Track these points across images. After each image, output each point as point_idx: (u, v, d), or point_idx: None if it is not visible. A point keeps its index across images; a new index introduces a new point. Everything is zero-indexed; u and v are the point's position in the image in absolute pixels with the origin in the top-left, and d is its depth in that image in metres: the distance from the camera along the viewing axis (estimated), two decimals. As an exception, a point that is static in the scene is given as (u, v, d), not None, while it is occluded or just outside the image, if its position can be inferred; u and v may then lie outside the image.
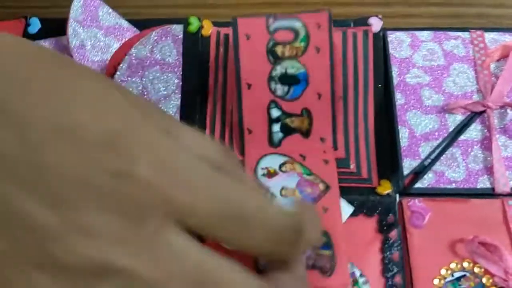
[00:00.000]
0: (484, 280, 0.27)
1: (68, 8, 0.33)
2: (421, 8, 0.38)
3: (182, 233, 0.14)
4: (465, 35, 0.35)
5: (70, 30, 0.31)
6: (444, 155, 0.31)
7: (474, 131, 0.32)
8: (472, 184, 0.31)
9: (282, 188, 0.29)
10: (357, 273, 0.27)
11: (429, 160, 0.31)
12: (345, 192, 0.30)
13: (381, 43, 0.34)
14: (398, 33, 0.35)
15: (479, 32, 0.35)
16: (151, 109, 0.17)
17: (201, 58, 0.34)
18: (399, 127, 0.32)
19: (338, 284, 0.26)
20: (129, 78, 0.33)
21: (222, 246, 0.15)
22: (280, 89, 0.31)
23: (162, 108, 0.33)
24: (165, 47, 0.33)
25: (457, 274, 0.27)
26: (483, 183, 0.31)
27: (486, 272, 0.27)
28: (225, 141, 0.32)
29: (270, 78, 0.31)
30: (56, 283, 0.13)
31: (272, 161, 0.30)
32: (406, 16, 0.38)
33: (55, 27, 0.35)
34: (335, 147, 0.31)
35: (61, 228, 0.13)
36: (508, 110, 0.32)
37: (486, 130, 0.32)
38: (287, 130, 0.31)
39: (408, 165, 0.31)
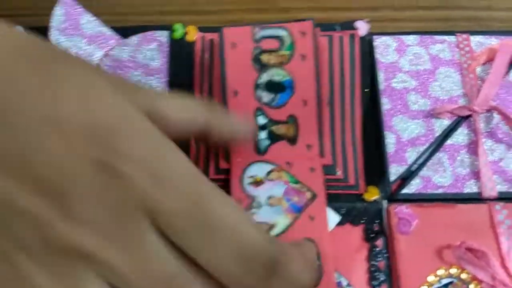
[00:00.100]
0: (471, 286, 0.27)
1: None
2: (409, 12, 0.38)
3: (156, 233, 0.14)
4: (451, 38, 0.35)
5: (52, 39, 0.31)
6: (430, 160, 0.31)
7: (460, 136, 0.32)
8: (459, 189, 0.31)
9: (269, 197, 0.29)
10: (344, 282, 0.27)
11: (416, 166, 0.31)
12: (332, 199, 0.30)
13: (367, 48, 0.34)
14: (384, 38, 0.35)
15: (465, 36, 0.35)
16: (136, 90, 0.18)
17: (186, 64, 0.34)
18: (386, 132, 0.32)
19: (324, 294, 0.26)
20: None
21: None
22: (266, 96, 0.31)
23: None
24: (148, 52, 0.33)
25: (444, 281, 0.27)
26: (470, 187, 0.31)
27: (474, 278, 0.27)
28: (210, 148, 0.32)
29: (256, 86, 0.31)
30: (39, 267, 0.14)
31: (259, 169, 0.30)
32: (394, 20, 0.38)
33: (38, 36, 0.34)
34: (322, 154, 0.30)
35: (45, 214, 0.13)
36: (494, 114, 0.32)
37: (472, 134, 0.32)
38: (273, 137, 0.31)
39: (394, 171, 0.31)
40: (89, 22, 0.33)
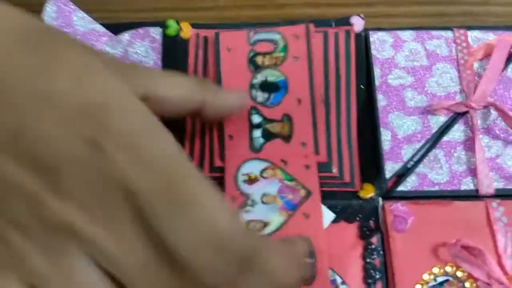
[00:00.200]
0: (467, 284, 0.27)
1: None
2: (405, 7, 0.37)
3: (133, 213, 0.14)
4: (448, 34, 0.34)
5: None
6: (427, 157, 0.31)
7: (457, 132, 0.32)
8: (456, 186, 0.30)
9: (263, 195, 0.29)
10: (339, 280, 0.27)
11: (412, 163, 0.31)
12: (327, 197, 0.29)
13: (363, 44, 0.34)
14: (380, 33, 0.35)
15: (462, 31, 0.34)
16: (132, 70, 0.18)
17: (180, 62, 0.34)
18: (382, 129, 0.31)
19: (319, 292, 0.26)
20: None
21: None
22: (260, 96, 0.31)
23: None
24: (141, 48, 0.33)
25: (440, 279, 0.27)
26: (467, 184, 0.30)
27: (469, 276, 0.27)
28: (205, 146, 0.32)
29: (251, 86, 0.31)
30: (34, 247, 0.14)
31: (253, 167, 0.30)
32: (390, 15, 0.37)
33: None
34: (317, 152, 0.30)
35: (39, 191, 0.13)
36: (492, 110, 0.32)
37: (469, 131, 0.32)
38: (268, 136, 0.31)
39: (390, 168, 0.31)
40: (81, 19, 0.32)
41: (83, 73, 0.14)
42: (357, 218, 0.29)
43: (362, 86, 0.33)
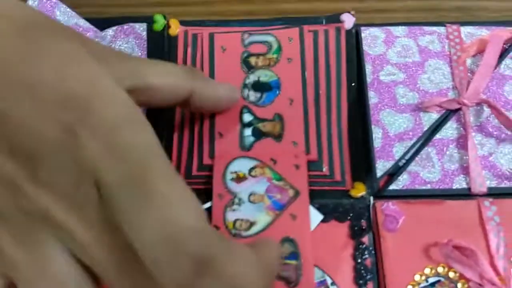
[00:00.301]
0: (459, 285, 0.26)
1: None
2: (396, 2, 0.37)
3: (103, 207, 0.14)
4: (441, 29, 0.34)
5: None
6: (418, 156, 0.30)
7: (449, 130, 0.31)
8: (448, 184, 0.30)
9: (251, 194, 0.28)
10: (329, 281, 0.26)
11: (403, 161, 0.30)
12: (318, 196, 0.29)
13: (353, 40, 0.33)
14: (372, 29, 0.34)
15: (455, 27, 0.34)
16: (120, 59, 0.18)
17: (167, 59, 0.33)
18: (373, 127, 0.31)
19: (304, 295, 0.25)
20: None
21: None
22: (253, 95, 0.31)
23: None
24: (125, 44, 0.32)
25: (431, 280, 0.26)
26: (459, 183, 0.30)
27: (461, 277, 0.26)
28: (194, 144, 0.31)
29: (244, 86, 0.31)
30: (12, 236, 0.14)
31: (241, 165, 0.29)
32: (381, 11, 0.37)
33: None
34: (308, 151, 0.30)
35: (18, 178, 0.13)
36: (484, 108, 0.31)
37: (462, 128, 0.31)
38: (258, 134, 0.30)
39: (382, 166, 0.30)
40: (64, 14, 0.31)
41: (68, 62, 0.14)
42: (348, 217, 0.28)
43: (353, 84, 0.32)
